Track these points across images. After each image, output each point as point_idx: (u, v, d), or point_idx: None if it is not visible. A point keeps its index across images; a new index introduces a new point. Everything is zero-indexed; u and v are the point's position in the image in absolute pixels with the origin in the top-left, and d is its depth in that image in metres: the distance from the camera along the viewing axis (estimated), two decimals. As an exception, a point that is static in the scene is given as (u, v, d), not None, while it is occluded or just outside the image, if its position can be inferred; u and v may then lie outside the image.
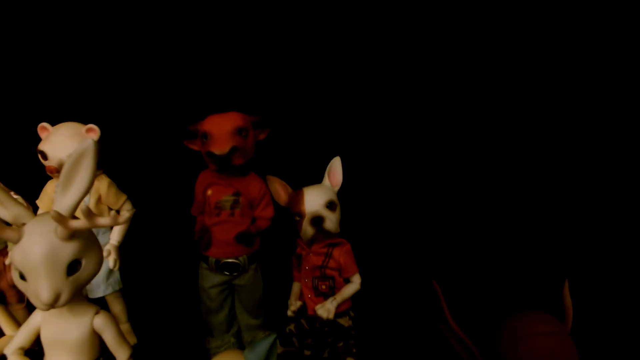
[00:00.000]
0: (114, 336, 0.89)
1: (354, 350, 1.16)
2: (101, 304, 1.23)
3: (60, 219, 0.77)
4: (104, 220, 0.78)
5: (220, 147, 1.14)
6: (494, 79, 1.70)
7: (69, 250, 0.79)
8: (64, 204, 0.80)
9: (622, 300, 1.40)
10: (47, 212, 0.80)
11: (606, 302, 1.39)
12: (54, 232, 0.78)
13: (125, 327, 1.33)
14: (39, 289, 0.77)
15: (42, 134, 1.24)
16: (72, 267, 0.80)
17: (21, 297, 1.24)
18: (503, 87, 1.70)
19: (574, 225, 1.67)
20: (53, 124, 1.24)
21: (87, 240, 0.83)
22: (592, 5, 1.59)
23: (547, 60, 1.67)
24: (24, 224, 0.80)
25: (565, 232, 1.66)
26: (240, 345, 1.33)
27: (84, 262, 0.82)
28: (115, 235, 1.27)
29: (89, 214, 0.77)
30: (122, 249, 1.29)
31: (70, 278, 0.80)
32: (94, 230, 1.14)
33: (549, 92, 1.69)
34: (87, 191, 0.80)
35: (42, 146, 1.21)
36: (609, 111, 1.67)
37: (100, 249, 0.86)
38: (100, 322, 0.88)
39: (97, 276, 1.19)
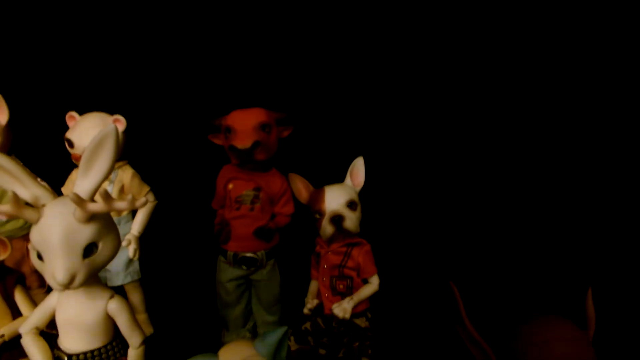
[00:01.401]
0: (128, 321, 0.89)
1: (370, 351, 1.15)
2: (120, 293, 1.25)
3: (78, 201, 0.77)
4: (121, 204, 0.79)
5: (243, 142, 1.15)
6: (519, 74, 1.68)
7: (86, 232, 0.79)
8: (83, 188, 0.80)
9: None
10: (67, 195, 0.81)
11: (632, 310, 1.35)
12: (72, 214, 0.79)
13: (142, 317, 1.34)
14: (55, 268, 0.77)
15: (69, 123, 1.28)
16: (89, 249, 0.81)
17: (42, 282, 1.26)
18: (524, 85, 1.69)
19: (600, 229, 1.63)
20: (81, 113, 1.27)
21: (105, 224, 0.83)
22: (592, 5, 1.59)
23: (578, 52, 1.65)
24: (44, 205, 0.81)
25: (591, 236, 1.62)
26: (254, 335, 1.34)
27: (100, 245, 0.81)
28: (137, 226, 1.28)
29: (106, 197, 0.77)
30: (143, 239, 1.30)
31: (86, 260, 0.80)
32: (116, 220, 1.18)
33: (571, 90, 1.68)
34: (107, 175, 0.80)
35: (69, 134, 1.24)
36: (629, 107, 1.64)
37: (117, 235, 0.86)
38: (115, 307, 0.88)
39: (117, 265, 1.26)
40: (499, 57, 1.68)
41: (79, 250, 0.79)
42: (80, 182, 0.81)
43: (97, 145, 0.79)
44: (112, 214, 0.86)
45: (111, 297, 0.89)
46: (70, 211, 0.79)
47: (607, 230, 1.63)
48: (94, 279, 0.87)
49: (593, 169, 1.69)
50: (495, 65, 1.69)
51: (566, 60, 1.66)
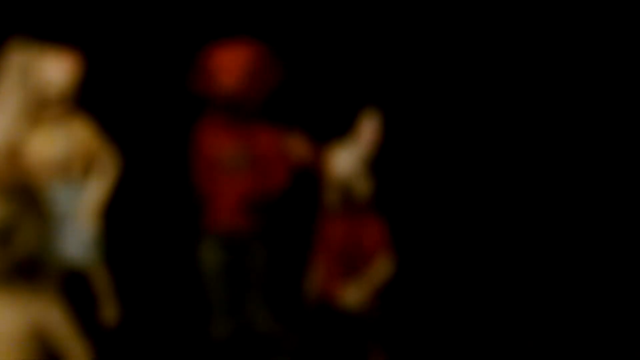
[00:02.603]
0: (64, 336, 0.69)
1: (380, 339, 1.12)
2: (82, 278, 1.18)
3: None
4: (41, 167, 0.59)
5: (228, 84, 1.07)
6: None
7: (-6, 211, 0.64)
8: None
9: None
10: None
11: None
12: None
13: (109, 305, 1.24)
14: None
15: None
16: (2, 235, 0.65)
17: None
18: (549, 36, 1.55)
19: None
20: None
21: (25, 198, 0.67)
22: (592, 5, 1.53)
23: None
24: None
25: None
26: (242, 325, 1.24)
27: (18, 228, 0.65)
28: (93, 195, 1.16)
29: (15, 153, 0.59)
30: (109, 213, 1.19)
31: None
32: (69, 188, 1.10)
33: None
34: (16, 120, 0.65)
35: None
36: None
37: (43, 213, 0.69)
38: (46, 315, 0.68)
39: (76, 244, 1.16)
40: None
41: (-14, 237, 0.64)
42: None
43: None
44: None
45: (43, 300, 0.69)
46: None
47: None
48: (19, 275, 0.67)
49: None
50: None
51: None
